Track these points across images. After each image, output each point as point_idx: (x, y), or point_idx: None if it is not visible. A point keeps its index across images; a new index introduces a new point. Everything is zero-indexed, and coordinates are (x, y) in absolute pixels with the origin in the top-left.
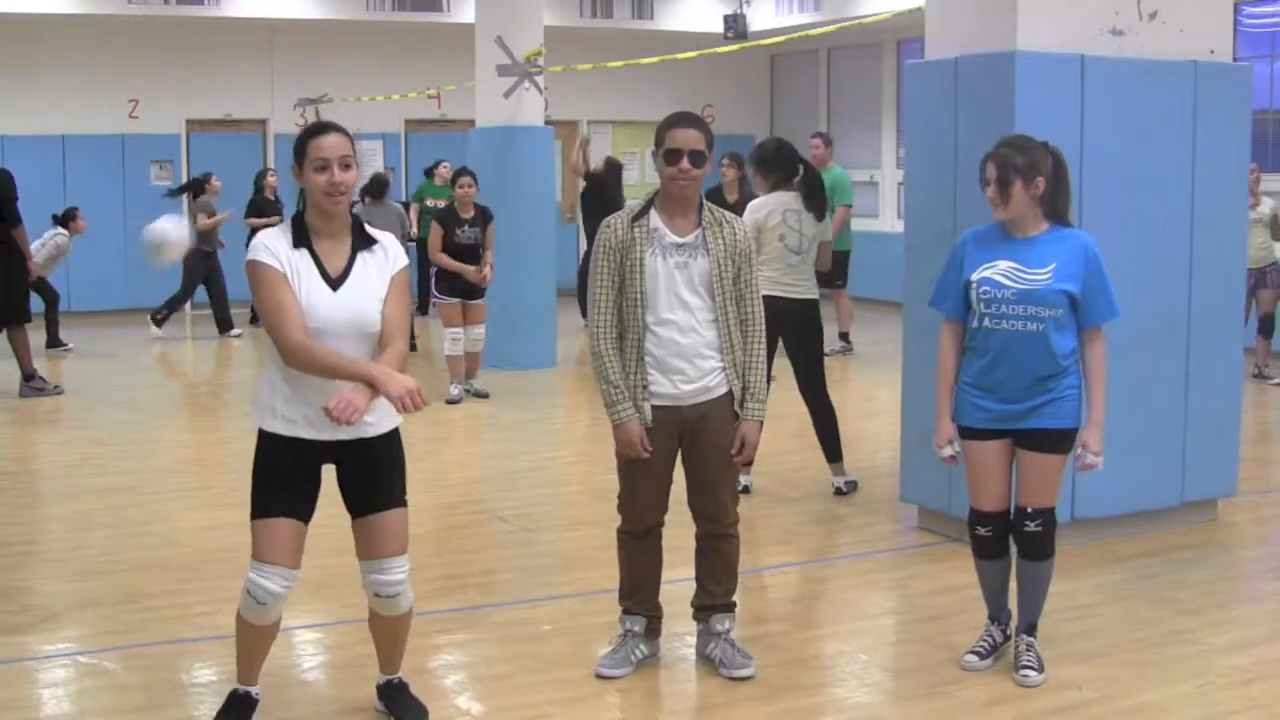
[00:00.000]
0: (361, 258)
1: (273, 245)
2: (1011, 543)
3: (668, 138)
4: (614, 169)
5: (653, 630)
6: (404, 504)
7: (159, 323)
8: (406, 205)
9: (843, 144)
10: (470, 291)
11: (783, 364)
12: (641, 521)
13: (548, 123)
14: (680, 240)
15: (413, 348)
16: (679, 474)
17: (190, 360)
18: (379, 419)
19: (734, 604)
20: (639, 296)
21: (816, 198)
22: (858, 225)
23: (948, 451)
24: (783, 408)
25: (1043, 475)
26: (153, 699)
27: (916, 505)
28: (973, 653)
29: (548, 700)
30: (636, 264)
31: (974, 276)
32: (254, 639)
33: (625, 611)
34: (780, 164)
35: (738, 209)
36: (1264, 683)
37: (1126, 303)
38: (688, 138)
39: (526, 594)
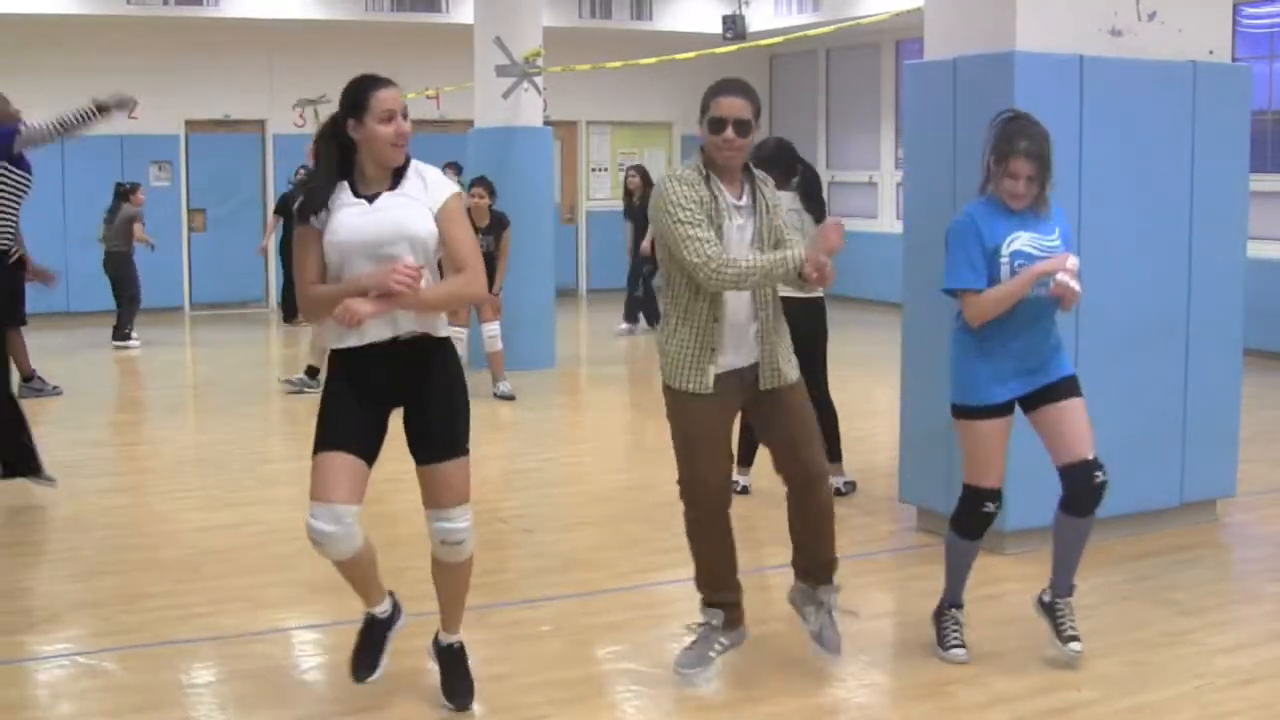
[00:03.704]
0: (400, 186)
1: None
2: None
3: (713, 105)
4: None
5: (731, 620)
6: (465, 453)
7: (126, 336)
8: None
9: (842, 144)
10: None
11: None
12: (707, 485)
13: (547, 123)
14: (738, 203)
15: None
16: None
17: (189, 361)
18: (422, 324)
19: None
20: None
21: (816, 198)
22: (857, 226)
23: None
24: None
25: (1084, 419)
26: (153, 699)
27: (915, 506)
28: (958, 646)
29: (547, 701)
30: (718, 227)
31: (1005, 250)
32: (341, 571)
33: (705, 603)
34: (781, 163)
35: None
36: (1263, 683)
37: (1126, 302)
38: (733, 106)
39: (526, 594)
